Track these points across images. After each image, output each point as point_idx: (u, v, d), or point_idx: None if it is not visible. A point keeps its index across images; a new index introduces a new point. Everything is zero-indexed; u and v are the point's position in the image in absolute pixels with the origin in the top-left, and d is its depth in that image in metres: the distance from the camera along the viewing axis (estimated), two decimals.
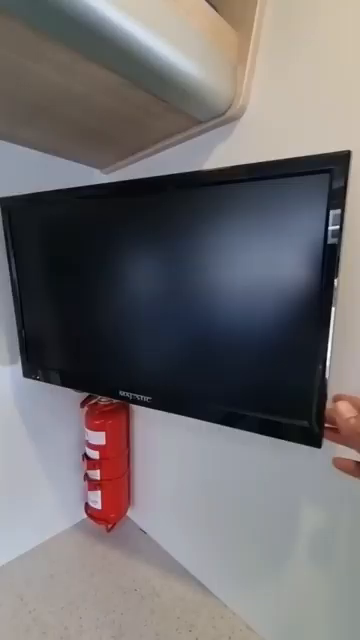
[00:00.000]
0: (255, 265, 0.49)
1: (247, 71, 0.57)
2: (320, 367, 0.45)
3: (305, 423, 0.48)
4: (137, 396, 0.62)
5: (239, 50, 0.57)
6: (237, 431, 0.56)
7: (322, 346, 0.44)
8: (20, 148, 0.76)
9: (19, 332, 0.76)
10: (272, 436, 0.51)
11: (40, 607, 0.76)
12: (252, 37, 0.56)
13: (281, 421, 0.50)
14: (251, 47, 0.56)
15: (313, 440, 0.48)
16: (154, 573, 0.85)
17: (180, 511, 0.87)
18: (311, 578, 0.61)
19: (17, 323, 0.75)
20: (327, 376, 0.45)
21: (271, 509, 0.66)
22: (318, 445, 0.48)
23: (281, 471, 0.63)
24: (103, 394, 0.83)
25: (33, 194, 0.67)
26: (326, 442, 0.47)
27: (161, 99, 0.56)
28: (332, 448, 0.47)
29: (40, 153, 0.80)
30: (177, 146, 0.73)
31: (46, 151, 0.81)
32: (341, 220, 0.41)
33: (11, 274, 0.72)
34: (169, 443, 0.88)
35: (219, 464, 0.75)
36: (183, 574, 0.85)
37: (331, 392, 0.46)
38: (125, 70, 0.49)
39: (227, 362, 0.54)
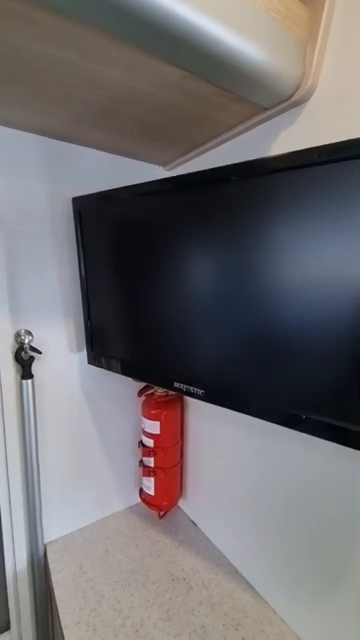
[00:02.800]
0: (331, 256, 0.45)
1: (317, 49, 0.53)
2: None
3: None
4: (191, 388, 0.62)
5: (309, 27, 0.53)
6: (291, 431, 0.53)
7: None
8: (87, 149, 0.82)
9: (85, 322, 0.82)
10: (332, 440, 0.48)
11: (96, 577, 0.82)
12: (324, 13, 0.52)
13: (345, 427, 0.46)
14: (322, 24, 0.52)
15: None
16: (202, 566, 0.86)
17: (230, 508, 0.87)
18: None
19: (84, 314, 0.81)
20: None
21: (330, 520, 0.62)
22: None
23: (345, 480, 0.58)
24: (158, 384, 0.85)
25: (100, 192, 0.71)
26: None
27: (224, 89, 0.55)
28: None
29: (105, 153, 0.85)
30: (238, 138, 0.72)
31: (111, 151, 0.85)
32: None
33: (80, 269, 0.78)
34: (221, 439, 0.87)
35: (273, 465, 0.73)
36: (231, 571, 0.84)
37: None
38: (187, 62, 0.49)
39: (291, 362, 0.51)
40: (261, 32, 0.48)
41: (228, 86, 0.54)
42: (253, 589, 0.80)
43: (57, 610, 0.75)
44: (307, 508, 0.66)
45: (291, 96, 0.57)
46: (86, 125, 0.70)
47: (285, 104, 0.59)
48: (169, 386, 0.66)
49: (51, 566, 0.85)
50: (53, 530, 0.93)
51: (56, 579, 0.82)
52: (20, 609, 0.89)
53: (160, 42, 0.45)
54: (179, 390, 0.65)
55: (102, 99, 0.59)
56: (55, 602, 0.77)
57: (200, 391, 0.61)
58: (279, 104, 0.59)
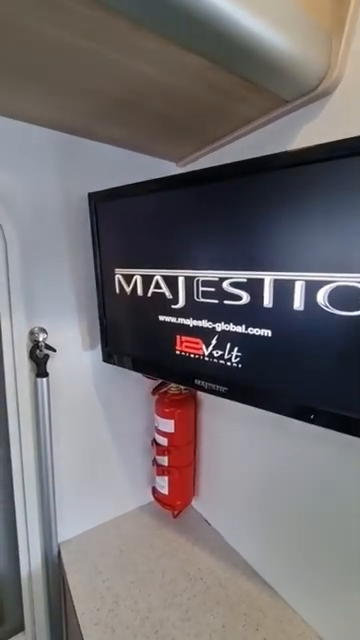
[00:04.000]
0: (345, 255, 0.45)
1: (344, 39, 0.52)
2: None
3: None
4: (213, 386, 0.61)
5: (335, 16, 0.52)
6: (306, 429, 0.53)
7: None
8: (101, 144, 0.81)
9: (100, 320, 0.81)
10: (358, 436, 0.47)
11: (112, 577, 0.81)
12: (351, 3, 0.50)
13: None
14: (349, 14, 0.51)
15: None
16: (218, 565, 0.85)
17: (244, 507, 0.86)
18: None
19: (99, 311, 0.80)
20: None
21: (347, 517, 0.61)
22: None
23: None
24: (179, 382, 0.84)
25: (116, 188, 0.70)
26: None
27: (246, 79, 0.54)
28: None
29: (118, 149, 0.84)
30: (254, 134, 0.71)
31: (125, 147, 0.84)
32: None
33: (96, 265, 0.77)
34: (235, 437, 0.87)
35: (288, 463, 0.72)
36: (247, 570, 0.84)
37: None
38: (211, 50, 0.47)
39: (310, 362, 0.50)
40: (284, 18, 0.47)
41: (250, 76, 0.53)
42: (271, 588, 0.79)
43: (74, 611, 0.74)
44: (323, 505, 0.65)
45: (315, 88, 0.56)
46: (102, 119, 0.69)
47: (308, 96, 0.58)
48: (190, 384, 0.65)
49: (66, 567, 0.84)
50: (67, 530, 0.92)
51: (72, 579, 0.81)
52: (34, 610, 0.88)
53: (186, 29, 0.44)
54: (200, 388, 0.64)
55: (122, 91, 0.58)
56: (72, 603, 0.76)
57: (223, 388, 0.60)
58: (301, 96, 0.58)
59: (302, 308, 0.49)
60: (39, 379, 0.80)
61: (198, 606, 0.75)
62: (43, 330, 0.80)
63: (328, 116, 0.58)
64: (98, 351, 0.87)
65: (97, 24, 0.43)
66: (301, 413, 0.53)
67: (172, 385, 0.96)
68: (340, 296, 0.45)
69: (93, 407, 0.92)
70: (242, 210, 0.54)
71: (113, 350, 0.81)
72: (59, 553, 0.89)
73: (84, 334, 0.87)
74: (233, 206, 0.55)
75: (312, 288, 0.48)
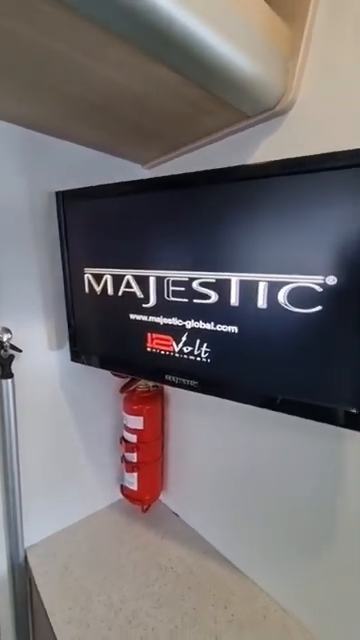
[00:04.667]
0: (302, 259, 0.51)
1: (299, 65, 0.58)
2: None
3: (353, 409, 0.50)
4: (183, 380, 0.65)
5: (292, 44, 0.58)
6: (268, 418, 0.58)
7: None
8: (69, 144, 0.81)
9: (68, 319, 0.81)
10: (318, 420, 0.53)
11: (83, 576, 0.81)
12: (305, 32, 0.57)
13: (329, 406, 0.52)
14: (303, 41, 0.57)
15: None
16: (188, 553, 0.89)
17: (211, 496, 0.91)
18: (346, 561, 0.62)
19: (67, 310, 0.80)
20: None
21: (303, 493, 0.68)
22: None
23: (317, 458, 0.64)
24: (149, 378, 0.87)
25: (83, 188, 0.71)
26: None
27: (214, 95, 0.58)
28: None
29: (87, 150, 0.84)
30: (218, 142, 0.75)
31: (93, 147, 0.85)
32: None
33: (63, 264, 0.77)
34: (200, 432, 0.91)
35: (248, 451, 0.78)
36: (216, 556, 0.88)
37: None
38: (184, 68, 0.51)
39: (273, 355, 0.56)
40: (249, 44, 0.52)
41: (217, 92, 0.57)
42: (239, 570, 0.84)
43: (45, 613, 0.73)
44: (281, 489, 0.72)
45: (273, 107, 0.62)
46: (74, 121, 0.69)
47: (267, 113, 0.63)
48: (161, 379, 0.68)
49: (34, 570, 0.83)
50: (34, 534, 0.90)
51: (41, 583, 0.80)
52: (0, 618, 0.85)
53: (161, 46, 0.46)
54: (171, 383, 0.67)
55: (94, 97, 0.59)
56: (42, 606, 0.75)
57: (193, 382, 0.64)
58: (262, 113, 0.64)
59: (265, 306, 0.54)
60: (4, 380, 0.78)
61: (170, 593, 0.78)
62: (7, 330, 0.78)
63: (284, 133, 0.64)
64: (66, 351, 0.87)
65: (67, 28, 0.44)
66: (266, 402, 0.58)
67: (140, 383, 0.98)
68: (297, 295, 0.51)
69: (60, 407, 0.91)
70: (210, 215, 0.58)
71: (82, 349, 0.82)
72: (26, 558, 0.87)
73: (51, 334, 0.86)
74: (201, 211, 0.59)
75: (274, 288, 0.53)
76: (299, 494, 0.69)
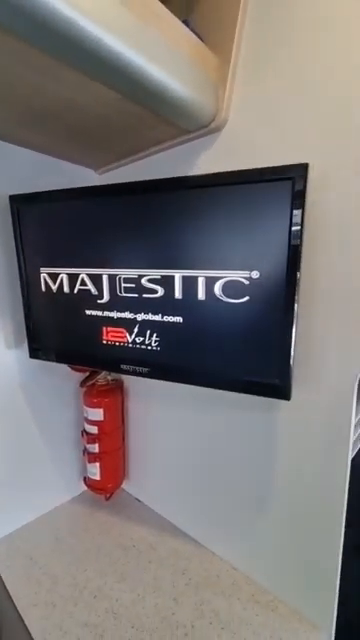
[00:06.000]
0: (232, 257, 0.60)
1: (227, 90, 0.67)
2: (288, 341, 0.57)
3: (277, 381, 0.60)
4: (137, 368, 0.72)
5: (220, 73, 0.67)
6: (215, 401, 0.67)
7: (288, 326, 0.56)
8: (26, 151, 0.84)
9: (25, 316, 0.84)
10: (252, 394, 0.63)
11: (49, 564, 0.85)
12: (231, 62, 0.66)
13: (260, 381, 0.61)
14: (230, 71, 0.67)
15: (284, 394, 0.60)
16: (149, 532, 0.96)
17: (169, 479, 0.98)
18: (282, 523, 0.73)
19: (24, 308, 0.83)
20: (293, 349, 0.57)
21: (245, 464, 0.78)
22: (287, 398, 0.59)
23: (255, 430, 0.74)
24: (107, 369, 0.92)
25: (38, 193, 0.75)
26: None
27: (154, 112, 0.65)
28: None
29: (41, 155, 0.88)
30: (166, 152, 0.83)
31: (47, 153, 0.88)
32: (302, 217, 0.53)
33: (19, 263, 0.80)
34: (157, 421, 0.98)
35: (199, 435, 0.87)
36: (175, 532, 0.96)
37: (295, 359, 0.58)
38: (124, 89, 0.58)
39: (212, 340, 0.64)
40: (182, 72, 0.60)
41: (156, 110, 0.65)
42: (195, 541, 0.92)
43: (12, 602, 0.76)
44: (228, 464, 0.81)
45: (208, 125, 0.71)
46: (22, 126, 0.73)
47: (204, 130, 0.72)
48: (117, 369, 0.74)
49: None
50: None
51: (5, 574, 0.82)
52: None
53: (101, 71, 0.53)
54: (126, 371, 0.73)
55: (44, 106, 0.64)
56: (8, 597, 0.77)
57: (145, 369, 0.71)
58: (199, 129, 0.73)
59: (204, 298, 0.63)
60: None
61: (132, 568, 0.84)
62: None
63: (219, 147, 0.73)
64: (23, 349, 0.90)
65: (21, 52, 0.49)
66: (209, 382, 0.67)
67: (100, 377, 1.03)
68: (230, 288, 0.60)
69: (20, 405, 0.94)
70: (155, 219, 0.66)
71: (40, 346, 0.85)
72: None
73: (7, 332, 0.89)
74: (148, 216, 0.67)
75: (210, 282, 0.62)
76: (241, 466, 0.79)
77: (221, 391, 0.67)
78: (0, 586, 0.83)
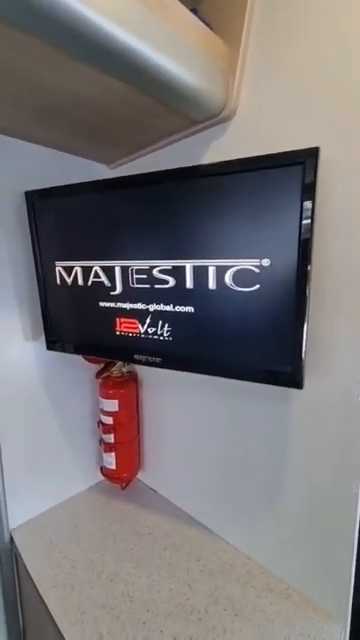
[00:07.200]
0: (243, 245, 0.60)
1: (237, 79, 0.67)
2: (300, 330, 0.56)
3: (289, 369, 0.59)
4: (149, 358, 0.73)
5: (230, 61, 0.67)
6: (228, 391, 0.67)
7: (300, 313, 0.56)
8: (39, 147, 0.86)
9: (42, 310, 0.87)
10: (264, 382, 0.63)
11: (68, 548, 0.88)
12: (240, 51, 0.66)
13: (272, 369, 0.61)
14: (239, 59, 0.66)
15: (297, 383, 0.59)
16: (164, 520, 0.97)
17: (184, 469, 0.99)
18: (296, 513, 0.73)
19: (40, 302, 0.86)
20: (305, 336, 0.56)
21: (258, 454, 0.78)
22: (300, 387, 0.59)
23: (269, 420, 0.74)
24: (121, 359, 0.94)
25: (52, 188, 0.77)
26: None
27: (163, 103, 0.66)
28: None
29: (54, 151, 0.90)
30: (176, 144, 0.83)
31: (58, 149, 0.90)
32: (313, 203, 0.52)
33: (35, 258, 0.83)
34: (172, 411, 0.99)
35: (212, 424, 0.87)
36: (190, 521, 0.97)
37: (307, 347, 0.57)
38: (135, 81, 0.59)
39: (224, 329, 0.65)
40: (192, 62, 0.60)
41: (167, 101, 0.65)
42: (209, 530, 0.93)
43: (33, 582, 0.79)
44: (242, 455, 0.81)
45: (218, 114, 0.70)
46: (35, 123, 0.75)
47: (214, 120, 0.72)
48: (130, 359, 0.76)
49: (20, 547, 0.88)
50: (18, 516, 0.95)
51: (27, 557, 0.85)
52: None
53: (112, 64, 0.54)
54: (139, 361, 0.74)
55: (55, 102, 0.65)
56: (29, 577, 0.81)
57: (158, 359, 0.72)
58: (209, 119, 0.72)
59: (215, 287, 0.63)
60: None
61: (148, 555, 0.86)
62: None
63: (229, 136, 0.72)
64: (41, 341, 0.92)
65: (25, 46, 0.50)
66: (222, 371, 0.67)
67: (114, 369, 1.05)
68: (240, 277, 0.60)
69: (39, 395, 0.97)
70: (166, 210, 0.66)
71: (56, 338, 0.88)
72: (12, 538, 0.92)
73: (26, 325, 0.92)
74: (158, 206, 0.67)
75: (221, 271, 0.62)
76: (255, 456, 0.79)
77: (234, 381, 0.67)
78: (22, 568, 0.86)
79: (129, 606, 0.73)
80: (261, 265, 0.58)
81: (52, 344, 0.88)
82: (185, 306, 0.67)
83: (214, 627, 0.68)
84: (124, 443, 1.05)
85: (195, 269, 0.64)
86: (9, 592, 0.93)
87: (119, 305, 0.75)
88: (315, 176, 0.51)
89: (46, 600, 0.75)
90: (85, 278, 0.77)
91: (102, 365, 1.07)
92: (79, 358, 1.01)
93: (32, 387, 0.95)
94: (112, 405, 1.02)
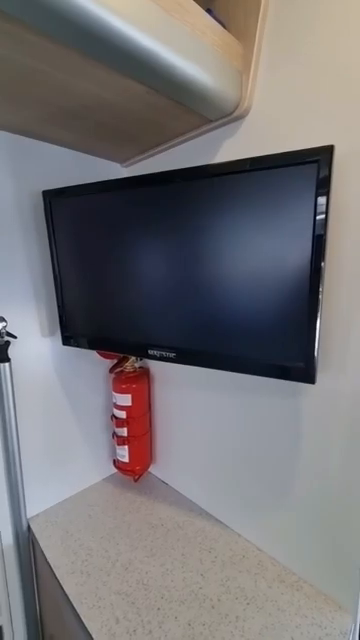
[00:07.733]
0: (258, 244, 0.61)
1: (250, 78, 0.68)
2: (313, 326, 0.57)
3: (302, 364, 0.60)
4: (164, 353, 0.74)
5: (244, 60, 0.68)
6: (240, 385, 0.68)
7: (313, 308, 0.57)
8: (55, 147, 0.88)
9: (58, 306, 0.89)
10: (277, 377, 0.64)
11: (83, 537, 0.91)
12: (254, 49, 0.66)
13: (285, 364, 0.62)
14: (254, 58, 0.67)
15: (309, 378, 0.60)
16: (177, 512, 1.00)
17: (195, 462, 1.01)
18: (307, 506, 0.74)
19: (57, 298, 0.88)
20: (318, 332, 0.57)
21: (269, 449, 0.79)
22: (312, 381, 0.60)
23: (280, 415, 0.75)
24: (136, 354, 0.96)
25: (68, 187, 0.79)
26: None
27: (179, 103, 0.67)
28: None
29: (68, 150, 0.92)
30: (189, 142, 0.84)
31: (74, 148, 0.92)
32: (327, 199, 0.53)
33: (52, 256, 0.85)
34: (183, 405, 1.01)
35: (224, 418, 0.89)
36: (202, 513, 0.99)
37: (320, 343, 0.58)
38: (151, 82, 0.60)
39: (237, 324, 0.66)
40: (207, 61, 0.61)
41: (181, 100, 0.66)
42: (222, 523, 0.95)
43: (50, 568, 0.82)
44: (253, 449, 0.83)
45: (231, 113, 0.71)
46: (54, 125, 0.77)
47: (227, 118, 0.73)
48: (145, 354, 0.78)
49: (37, 535, 0.91)
50: (35, 506, 0.99)
51: (45, 545, 0.89)
52: (8, 586, 0.93)
53: (130, 65, 0.55)
54: (153, 357, 0.76)
55: (74, 105, 0.67)
56: (47, 564, 0.84)
57: (171, 354, 0.73)
58: (223, 118, 0.73)
59: (229, 283, 0.64)
60: (1, 364, 0.85)
61: (161, 545, 0.88)
62: (2, 319, 0.86)
63: (242, 135, 0.73)
64: (57, 337, 0.95)
65: (49, 52, 0.52)
66: (234, 366, 0.68)
67: (127, 364, 1.07)
68: (254, 272, 0.61)
69: (55, 389, 1.00)
70: (177, 208, 0.67)
71: (71, 333, 0.90)
72: (29, 527, 0.95)
73: (43, 321, 0.94)
74: (170, 205, 0.68)
75: (234, 267, 0.63)
76: (267, 449, 0.80)
77: (246, 375, 0.68)
78: (40, 555, 0.90)
79: (144, 593, 0.75)
80: (274, 262, 0.59)
81: (67, 339, 0.91)
82: (199, 301, 0.68)
83: (227, 615, 0.70)
84: (137, 437, 1.07)
85: (209, 265, 0.65)
86: (27, 578, 0.97)
87: (133, 301, 0.76)
88: (330, 174, 0.52)
89: (64, 586, 0.77)
90: (100, 276, 0.79)
91: (115, 360, 1.09)
92: (93, 353, 1.04)
93: (49, 381, 0.98)
94: (125, 399, 1.04)
